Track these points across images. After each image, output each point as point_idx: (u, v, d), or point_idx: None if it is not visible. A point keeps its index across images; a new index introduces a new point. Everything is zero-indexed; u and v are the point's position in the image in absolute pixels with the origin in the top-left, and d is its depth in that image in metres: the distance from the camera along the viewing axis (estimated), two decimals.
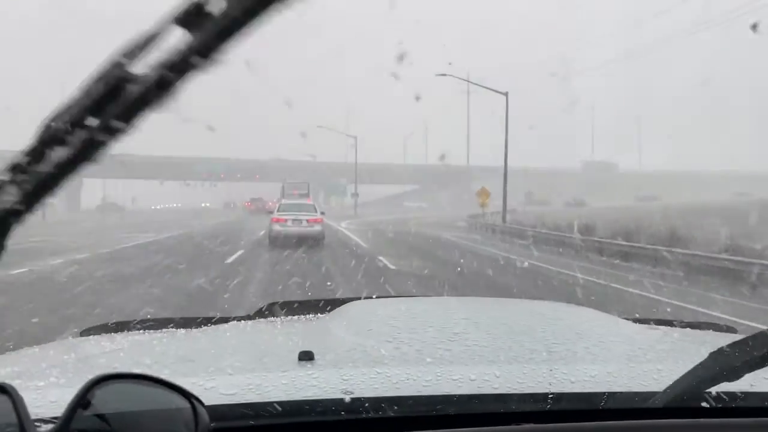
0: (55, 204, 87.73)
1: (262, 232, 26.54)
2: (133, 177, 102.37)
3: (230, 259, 15.97)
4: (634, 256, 17.81)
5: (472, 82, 37.23)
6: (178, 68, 0.59)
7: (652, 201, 71.64)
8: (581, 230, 23.78)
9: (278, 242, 19.26)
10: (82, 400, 0.81)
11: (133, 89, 0.60)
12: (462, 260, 16.72)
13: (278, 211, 21.02)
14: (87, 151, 0.65)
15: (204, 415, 0.86)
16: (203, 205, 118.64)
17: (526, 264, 15.56)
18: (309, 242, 19.28)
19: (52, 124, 0.64)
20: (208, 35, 0.58)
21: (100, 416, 0.82)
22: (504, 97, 35.98)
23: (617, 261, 17.90)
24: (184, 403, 0.85)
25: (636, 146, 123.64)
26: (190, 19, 0.58)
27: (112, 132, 0.63)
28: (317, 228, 20.36)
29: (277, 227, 20.07)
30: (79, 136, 0.63)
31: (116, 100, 0.61)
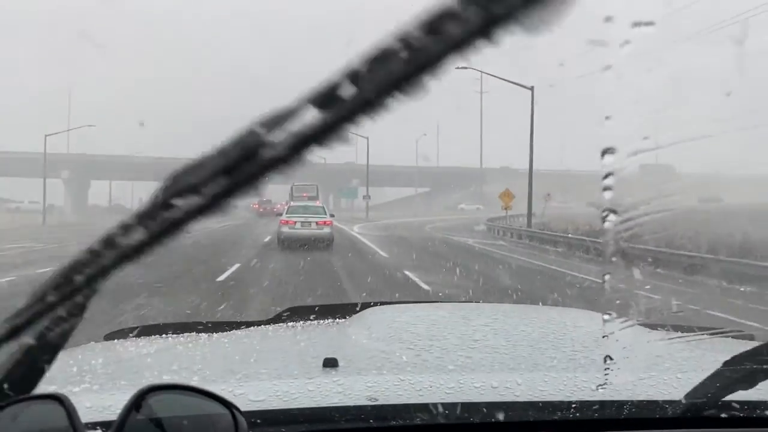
0: (60, 206, 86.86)
1: (267, 239, 23.83)
2: (141, 179, 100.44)
3: (222, 276, 13.21)
4: (701, 269, 14.89)
5: (495, 76, 34.15)
6: (308, 141, 0.64)
7: (717, 202, 68.15)
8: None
9: (287, 244, 18.89)
10: (133, 408, 0.85)
11: (265, 154, 0.65)
12: (506, 277, 13.83)
13: (287, 213, 20.72)
14: (215, 203, 0.70)
15: (243, 423, 0.88)
16: None
17: (586, 284, 12.56)
18: (318, 244, 18.83)
19: (186, 177, 0.70)
20: (338, 115, 0.63)
21: (149, 422, 0.85)
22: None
23: (681, 275, 14.83)
24: (224, 411, 0.88)
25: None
26: (323, 100, 0.63)
27: (241, 188, 0.69)
28: (326, 230, 19.82)
29: (286, 229, 19.67)
30: (210, 189, 0.68)
31: (249, 162, 0.67)
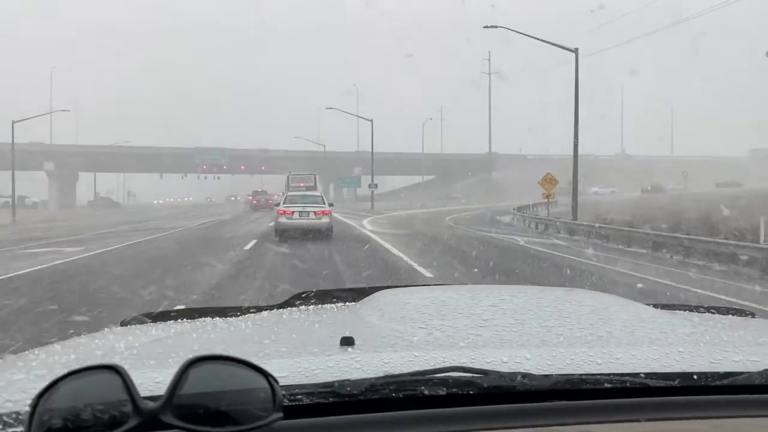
0: (42, 201, 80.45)
1: (252, 244, 17.51)
2: (129, 170, 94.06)
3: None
4: None
5: (530, 36, 27.54)
6: None
7: (735, 187, 62.02)
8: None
9: (285, 235, 18.43)
10: (181, 378, 0.87)
11: None
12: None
13: (284, 203, 19.79)
14: None
15: (279, 392, 0.92)
16: (207, 199, 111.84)
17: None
18: (317, 235, 18.44)
19: None
20: None
21: (194, 393, 0.88)
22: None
23: None
24: (263, 382, 0.92)
25: (662, 133, 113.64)
26: None
27: None
28: (325, 220, 19.00)
29: (283, 219, 18.95)
30: None
31: None
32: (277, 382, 0.93)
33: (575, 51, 27.75)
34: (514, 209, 38.30)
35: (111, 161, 79.04)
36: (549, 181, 27.70)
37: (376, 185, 49.58)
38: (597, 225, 22.62)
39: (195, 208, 64.31)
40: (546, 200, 27.90)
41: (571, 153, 27.55)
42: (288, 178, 37.79)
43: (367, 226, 26.20)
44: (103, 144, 75.29)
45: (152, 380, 1.00)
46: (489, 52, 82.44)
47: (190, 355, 0.90)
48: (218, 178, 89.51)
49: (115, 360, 1.14)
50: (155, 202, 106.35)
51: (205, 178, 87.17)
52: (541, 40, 27.55)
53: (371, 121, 52.33)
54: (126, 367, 1.02)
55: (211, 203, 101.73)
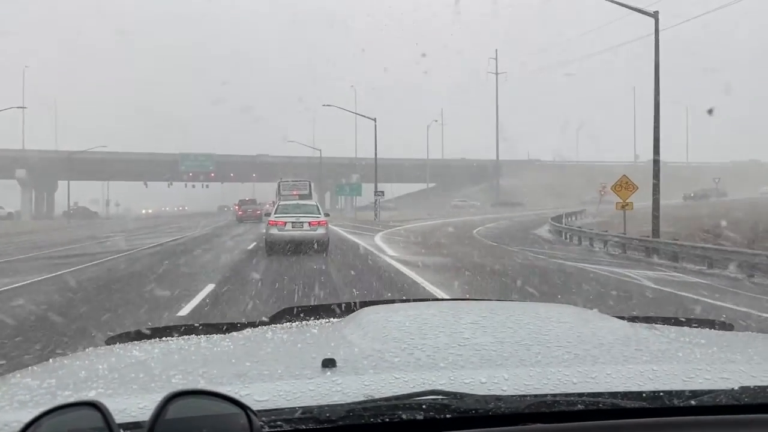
0: (18, 211, 72.81)
1: (201, 296, 9.82)
2: (110, 178, 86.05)
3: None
4: None
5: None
6: None
7: None
8: None
9: (276, 248, 16.20)
10: (161, 413, 0.89)
11: None
12: None
13: (275, 213, 17.42)
14: None
15: (257, 423, 0.93)
16: (186, 208, 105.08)
17: None
18: (311, 247, 16.07)
19: None
20: None
21: (174, 425, 0.89)
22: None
23: None
24: (240, 413, 0.92)
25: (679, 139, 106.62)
26: None
27: None
28: (320, 231, 16.59)
29: (274, 231, 16.58)
30: None
31: None
32: (254, 413, 0.94)
33: (654, 15, 20.65)
34: (551, 220, 32.20)
35: (88, 168, 71.26)
36: (625, 186, 20.27)
37: (382, 193, 42.07)
38: (671, 242, 16.04)
39: (177, 219, 56.62)
40: (622, 210, 20.43)
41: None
42: (279, 185, 33.50)
43: (385, 249, 18.47)
44: (76, 149, 67.30)
45: (136, 406, 1.01)
46: (496, 50, 75.25)
47: (173, 380, 0.94)
48: (207, 186, 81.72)
49: (99, 384, 1.21)
50: (143, 211, 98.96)
51: (193, 186, 79.40)
52: (619, 4, 20.20)
53: (374, 119, 44.97)
54: (109, 392, 1.09)
55: (195, 213, 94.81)
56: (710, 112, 40.63)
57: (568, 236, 26.33)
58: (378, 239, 22.48)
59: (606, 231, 22.54)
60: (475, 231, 30.00)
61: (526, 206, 63.98)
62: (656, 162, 19.59)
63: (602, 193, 44.68)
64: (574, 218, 40.70)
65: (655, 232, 19.80)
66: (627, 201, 20.29)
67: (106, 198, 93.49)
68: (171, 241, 22.98)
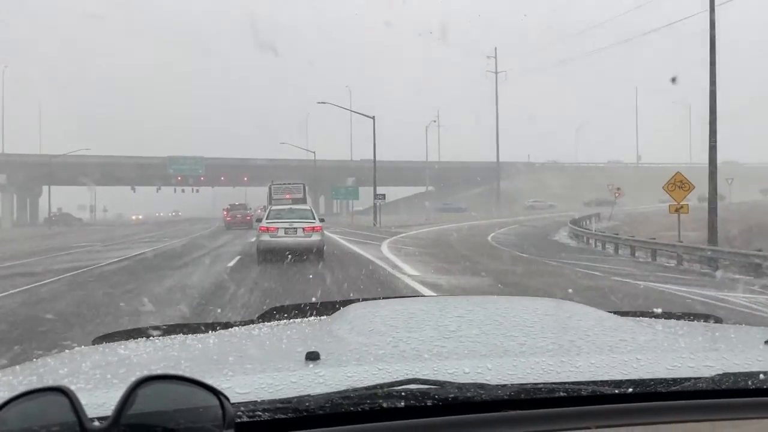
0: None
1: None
2: (95, 183, 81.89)
3: None
4: None
5: None
6: None
7: None
8: None
9: (268, 256, 14.80)
10: (129, 398, 0.86)
11: None
12: None
13: (267, 218, 15.74)
14: None
15: (230, 410, 0.91)
16: (180, 213, 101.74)
17: None
18: (305, 255, 14.66)
19: None
20: None
21: (143, 413, 0.87)
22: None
23: None
24: (213, 400, 0.90)
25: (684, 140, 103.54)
26: None
27: None
28: (315, 238, 15.16)
29: (266, 238, 15.12)
30: None
31: None
32: (227, 399, 0.91)
33: None
34: (570, 224, 29.89)
35: (71, 173, 67.40)
36: (680, 185, 16.82)
37: (383, 196, 38.55)
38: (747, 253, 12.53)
39: (162, 226, 52.85)
40: (676, 213, 17.00)
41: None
42: (270, 188, 30.65)
43: (399, 264, 14.71)
44: (58, 153, 63.51)
45: (111, 398, 0.95)
46: (495, 48, 71.94)
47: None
48: (197, 190, 77.83)
49: (80, 379, 1.19)
50: (134, 217, 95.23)
51: (183, 191, 75.48)
52: None
53: (373, 118, 41.48)
54: (89, 387, 1.08)
55: (186, 219, 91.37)
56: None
57: (597, 244, 23.21)
58: (386, 250, 18.90)
59: (654, 238, 19.31)
60: (489, 238, 26.58)
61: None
62: (712, 148, 16.23)
63: (616, 195, 41.71)
64: (589, 222, 37.64)
65: (713, 236, 16.46)
66: (682, 203, 16.87)
67: (94, 203, 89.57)
68: (138, 254, 19.26)
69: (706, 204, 16.87)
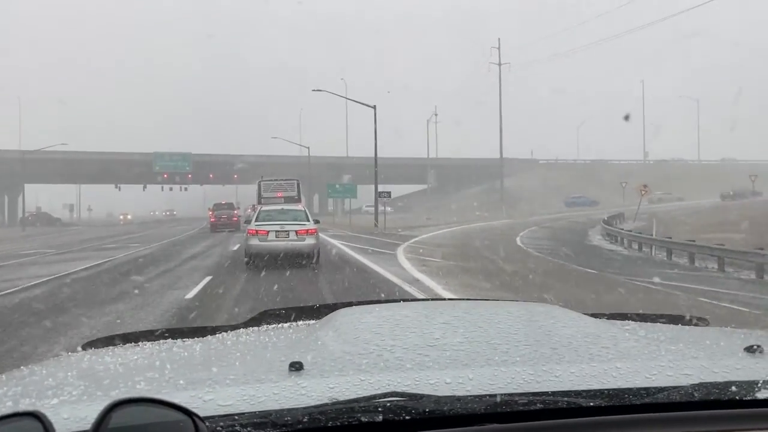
0: None
1: None
2: (77, 181, 77.06)
3: None
4: None
5: None
6: None
7: None
8: None
9: (257, 261, 13.78)
10: (102, 423, 0.86)
11: None
12: None
13: (256, 220, 14.52)
14: None
15: (203, 428, 0.91)
16: (175, 212, 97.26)
17: None
18: (298, 260, 13.52)
19: None
20: None
21: None
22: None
23: None
24: (188, 421, 0.90)
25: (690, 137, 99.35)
26: None
27: None
28: (309, 241, 14.11)
29: (254, 242, 14.03)
30: None
31: None
32: (201, 419, 0.92)
33: None
34: (604, 224, 27.98)
35: (50, 170, 62.61)
36: None
37: (388, 194, 34.06)
38: None
39: (143, 227, 48.24)
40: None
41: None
42: (259, 185, 26.99)
43: (431, 285, 10.35)
44: (31, 149, 58.53)
45: (94, 411, 0.94)
46: (498, 39, 67.36)
47: (137, 387, 0.91)
48: (185, 189, 72.96)
49: (63, 392, 1.18)
50: (121, 217, 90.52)
51: (170, 189, 70.68)
52: None
53: (374, 107, 36.92)
54: (73, 399, 1.08)
55: (173, 218, 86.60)
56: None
57: (644, 248, 19.83)
58: (407, 264, 14.26)
59: (722, 244, 15.95)
60: (518, 241, 22.14)
61: (524, 206, 56.48)
62: None
63: (643, 193, 37.61)
64: (617, 223, 33.81)
65: None
66: None
67: (76, 203, 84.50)
68: (70, 273, 14.46)
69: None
